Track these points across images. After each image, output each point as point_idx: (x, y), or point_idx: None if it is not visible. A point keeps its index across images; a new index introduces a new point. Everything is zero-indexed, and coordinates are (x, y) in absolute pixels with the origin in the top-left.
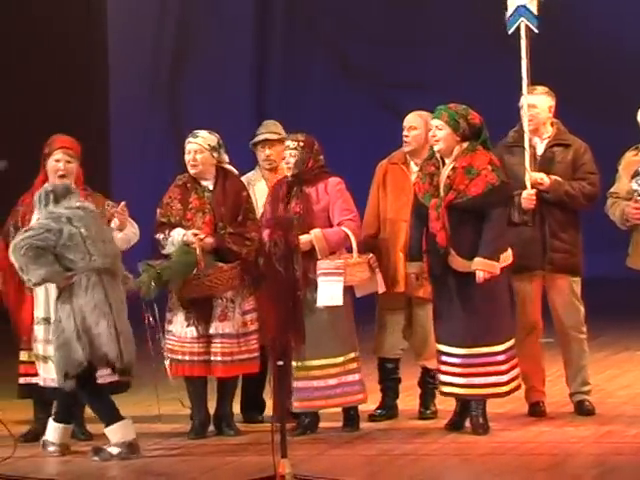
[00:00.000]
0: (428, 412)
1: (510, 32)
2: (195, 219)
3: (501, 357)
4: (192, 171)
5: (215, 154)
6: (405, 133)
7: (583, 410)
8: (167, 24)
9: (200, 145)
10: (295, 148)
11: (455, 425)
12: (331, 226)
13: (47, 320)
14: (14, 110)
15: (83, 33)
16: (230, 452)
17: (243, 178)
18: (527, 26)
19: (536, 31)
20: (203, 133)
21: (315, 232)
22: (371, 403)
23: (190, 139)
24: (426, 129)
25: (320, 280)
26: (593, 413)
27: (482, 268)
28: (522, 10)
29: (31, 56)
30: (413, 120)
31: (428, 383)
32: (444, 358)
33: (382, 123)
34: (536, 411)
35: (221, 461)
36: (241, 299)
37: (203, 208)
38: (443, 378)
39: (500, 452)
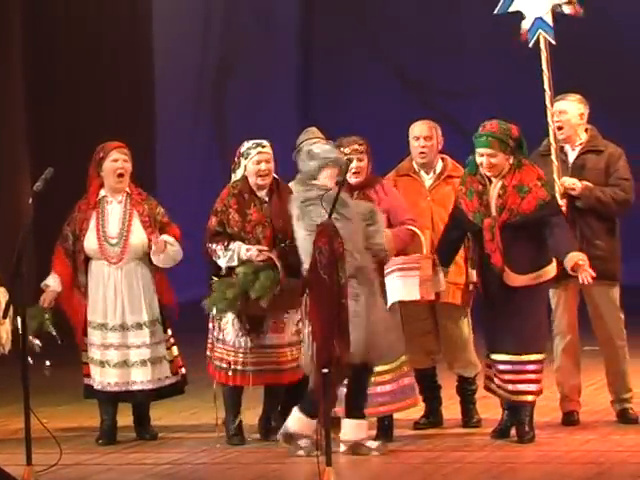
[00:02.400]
0: (473, 421)
1: (531, 45)
2: (255, 232)
3: (540, 366)
4: (264, 181)
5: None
6: (422, 144)
7: (626, 418)
8: (211, 39)
9: (270, 155)
10: (362, 152)
11: (501, 433)
12: (390, 226)
13: (104, 326)
14: (67, 124)
15: (131, 52)
16: (276, 460)
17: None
18: (546, 38)
19: (554, 43)
20: (267, 143)
21: (386, 232)
22: (416, 412)
23: (259, 149)
24: (437, 138)
25: (396, 275)
26: (636, 421)
27: (582, 261)
28: (539, 22)
29: (85, 71)
30: (427, 130)
31: (467, 391)
32: (497, 366)
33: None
34: (570, 420)
35: (267, 468)
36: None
37: (263, 221)
38: (495, 383)
39: (545, 461)
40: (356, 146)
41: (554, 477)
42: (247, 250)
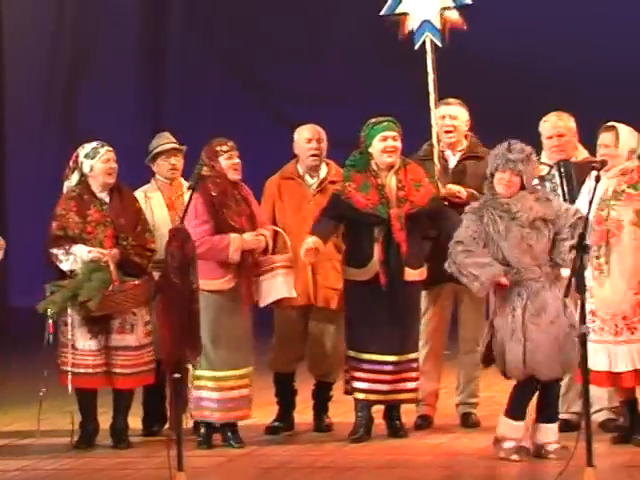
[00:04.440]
0: (324, 425)
1: (417, 47)
2: (96, 232)
3: (418, 364)
4: (111, 180)
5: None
6: (314, 145)
7: (469, 422)
8: (64, 39)
9: (115, 154)
10: (237, 149)
11: (361, 436)
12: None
13: None
14: None
15: None
16: (127, 465)
17: (139, 191)
18: (432, 41)
19: (440, 45)
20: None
21: (264, 231)
22: (268, 416)
23: (107, 148)
24: (325, 142)
25: (281, 273)
26: (477, 426)
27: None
28: (427, 25)
29: None
30: (318, 133)
31: (324, 396)
32: (373, 367)
33: (277, 137)
34: (423, 425)
35: (117, 474)
36: (144, 311)
37: (104, 221)
38: (366, 386)
39: (395, 465)
40: (231, 143)
41: None
42: (88, 252)
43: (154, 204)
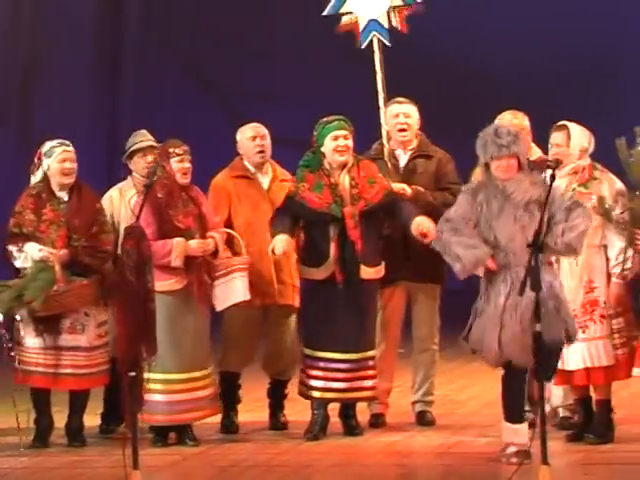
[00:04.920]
0: (280, 423)
1: (363, 46)
2: (49, 232)
3: (374, 363)
4: (68, 180)
5: (75, 164)
6: (259, 142)
7: (424, 420)
8: (19, 39)
9: (73, 154)
10: (189, 153)
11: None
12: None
13: None
14: None
15: None
16: (82, 463)
17: (115, 188)
18: (380, 40)
19: (388, 45)
20: (69, 143)
21: (214, 234)
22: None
23: (64, 147)
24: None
25: (236, 275)
26: (432, 424)
27: (427, 223)
28: (374, 24)
29: None
30: (262, 130)
31: (279, 394)
32: (330, 365)
33: (232, 136)
34: (376, 423)
35: (72, 473)
36: (96, 311)
37: (57, 221)
38: (322, 384)
39: (350, 463)
40: (185, 147)
41: (358, 479)
42: (39, 250)
43: (130, 201)
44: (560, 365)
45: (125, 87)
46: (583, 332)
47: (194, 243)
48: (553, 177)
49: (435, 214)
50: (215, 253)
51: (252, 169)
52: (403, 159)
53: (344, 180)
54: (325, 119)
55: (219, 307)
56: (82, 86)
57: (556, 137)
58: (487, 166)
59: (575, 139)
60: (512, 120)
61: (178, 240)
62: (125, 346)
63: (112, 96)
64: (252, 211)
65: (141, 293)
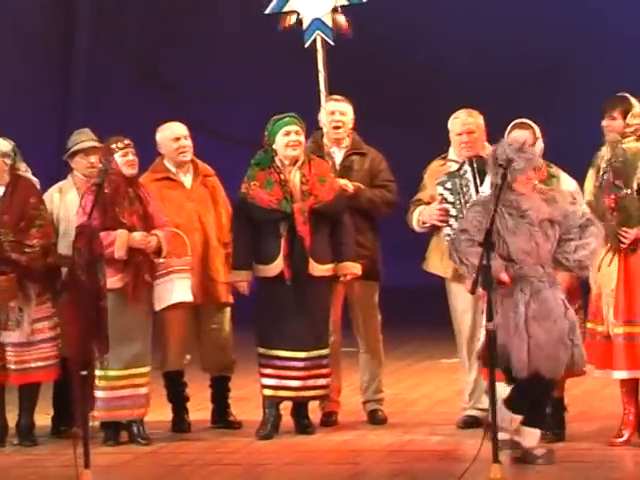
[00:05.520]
0: (229, 421)
1: (307, 45)
2: None
3: (327, 361)
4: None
5: (8, 160)
6: (183, 143)
7: (376, 419)
8: None
9: (9, 150)
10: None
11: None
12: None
13: None
14: None
15: None
16: (32, 463)
17: (55, 187)
18: (323, 39)
19: (332, 43)
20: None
21: (158, 233)
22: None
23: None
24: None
25: (176, 277)
26: (385, 422)
27: (352, 272)
28: (317, 23)
29: None
30: (185, 130)
31: (224, 391)
32: (282, 363)
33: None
34: (328, 421)
35: (23, 472)
36: (30, 307)
37: None
38: (275, 383)
39: (302, 461)
40: (127, 140)
41: (311, 478)
42: None
43: (69, 200)
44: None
45: (75, 87)
46: None
47: (138, 235)
48: (504, 176)
49: (375, 211)
50: (159, 252)
51: (173, 169)
52: (338, 156)
53: (295, 177)
54: (276, 116)
55: (157, 307)
56: (32, 86)
57: (522, 135)
58: (503, 179)
59: (538, 138)
60: (467, 118)
61: (121, 231)
62: (76, 345)
63: (62, 96)
64: (178, 213)
65: (93, 291)
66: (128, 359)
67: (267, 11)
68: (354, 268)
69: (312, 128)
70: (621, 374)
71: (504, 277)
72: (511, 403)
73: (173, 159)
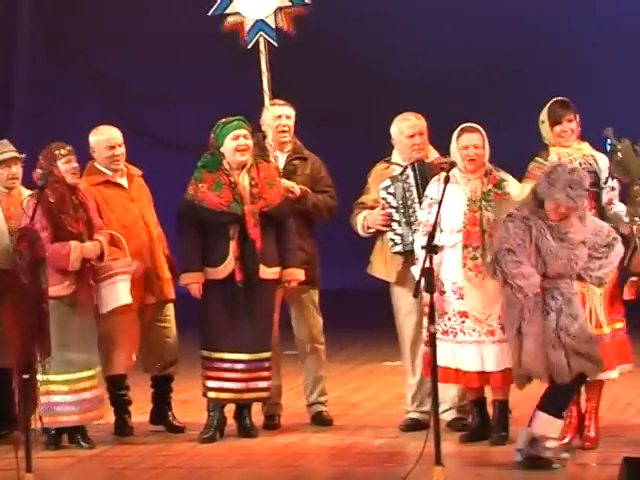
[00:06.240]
0: (172, 424)
1: (250, 47)
2: None
3: (269, 364)
4: None
5: None
6: (119, 151)
7: (321, 420)
8: None
9: None
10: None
11: (213, 436)
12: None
13: None
14: None
15: None
16: None
17: None
18: (266, 40)
19: (275, 45)
20: None
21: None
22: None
23: None
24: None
25: (119, 279)
26: (331, 423)
27: (297, 278)
28: (260, 24)
29: None
30: (121, 137)
31: (167, 392)
32: (225, 365)
33: (129, 139)
34: (271, 424)
35: None
36: None
37: None
38: (217, 385)
39: (246, 464)
40: (69, 147)
41: None
42: None
43: None
44: (453, 365)
45: (17, 88)
46: (504, 333)
47: (89, 245)
48: (447, 179)
49: (318, 216)
50: (101, 256)
51: (109, 172)
52: (281, 160)
53: (244, 180)
54: (224, 120)
55: (102, 310)
56: None
57: (472, 138)
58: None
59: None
60: (416, 120)
61: (75, 243)
62: (19, 348)
63: (4, 97)
64: (123, 215)
65: (35, 294)
66: (88, 361)
67: (210, 13)
68: (298, 274)
69: (254, 130)
70: None
71: (538, 290)
72: (551, 408)
73: (106, 166)
